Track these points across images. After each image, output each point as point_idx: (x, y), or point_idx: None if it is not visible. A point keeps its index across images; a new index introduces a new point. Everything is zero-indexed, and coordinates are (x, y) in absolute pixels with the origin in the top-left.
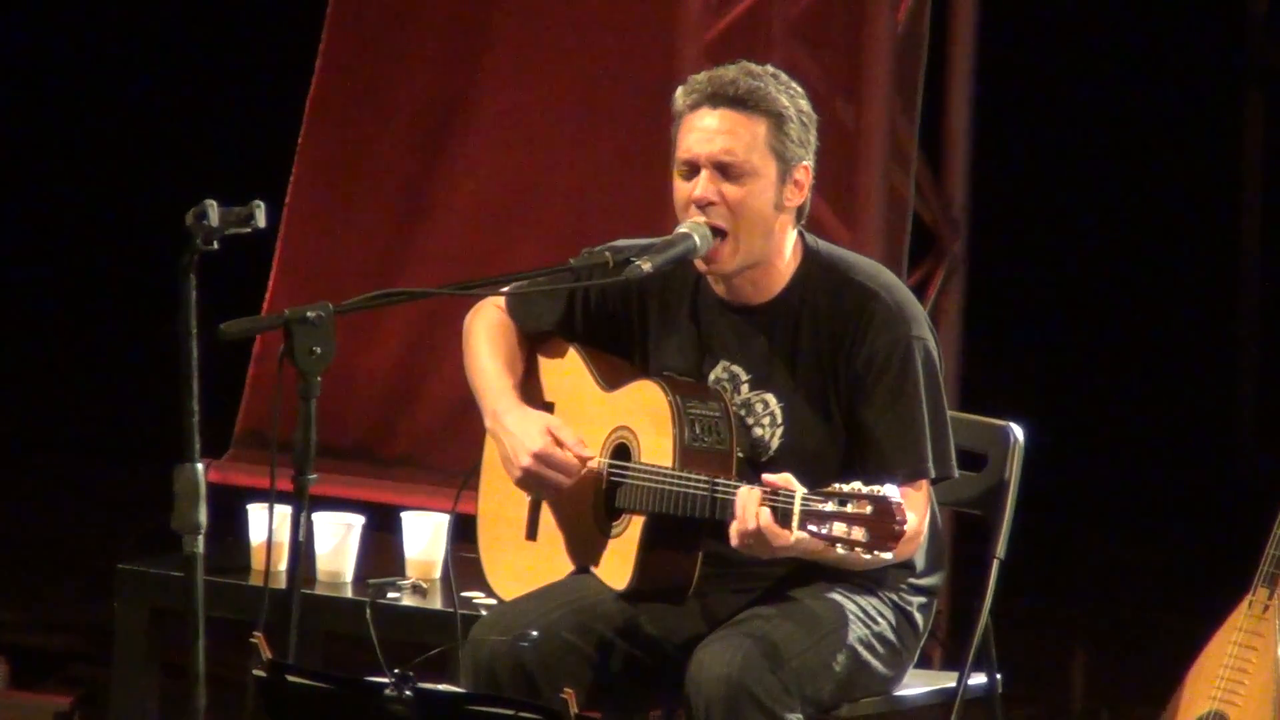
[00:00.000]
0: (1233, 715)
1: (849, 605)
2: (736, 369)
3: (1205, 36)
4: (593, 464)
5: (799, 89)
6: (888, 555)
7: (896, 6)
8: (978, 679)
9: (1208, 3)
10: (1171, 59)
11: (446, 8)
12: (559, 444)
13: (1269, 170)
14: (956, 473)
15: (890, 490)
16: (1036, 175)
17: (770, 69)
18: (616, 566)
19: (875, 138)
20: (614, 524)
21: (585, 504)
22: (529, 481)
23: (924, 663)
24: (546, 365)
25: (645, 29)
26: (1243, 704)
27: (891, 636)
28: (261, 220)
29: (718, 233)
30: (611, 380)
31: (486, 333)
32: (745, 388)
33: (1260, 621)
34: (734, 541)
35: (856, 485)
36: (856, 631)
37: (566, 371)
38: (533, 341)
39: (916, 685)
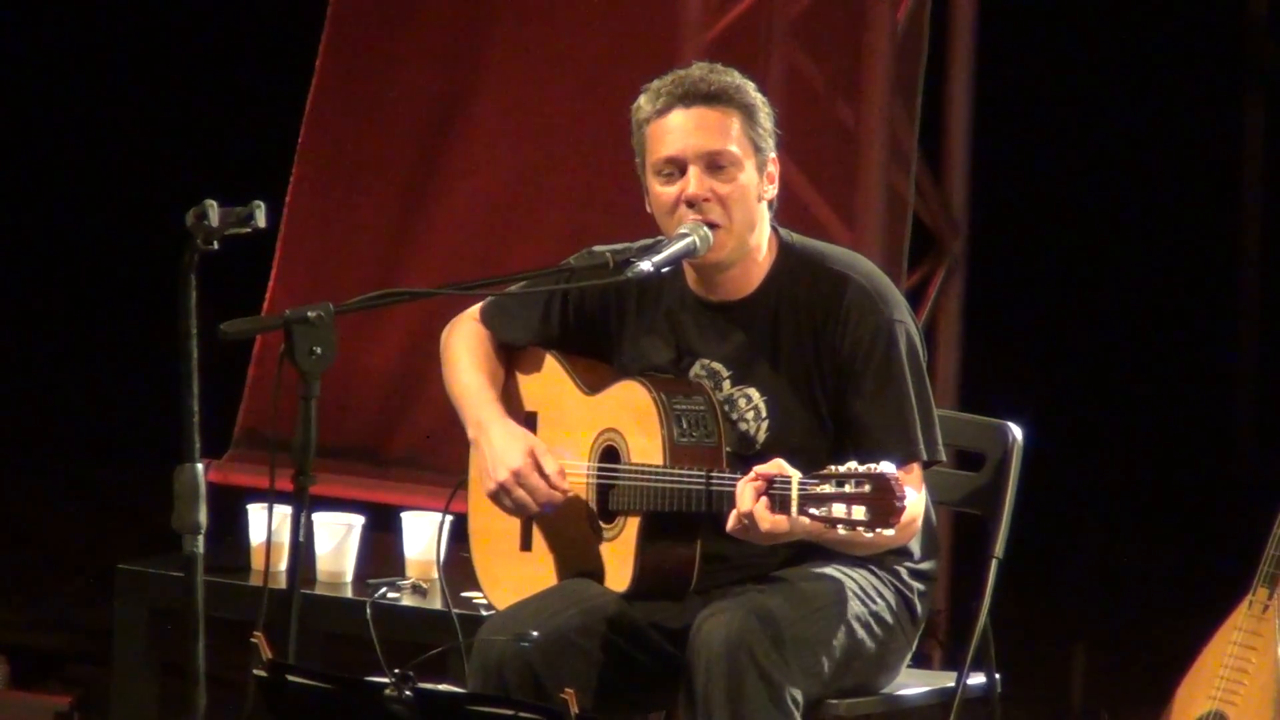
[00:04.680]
0: (1233, 715)
1: (848, 583)
2: (716, 366)
3: (1205, 38)
4: (568, 486)
5: (752, 83)
6: (889, 532)
7: (896, 6)
8: (977, 679)
9: (1208, 4)
10: (1172, 60)
11: (446, 8)
12: (538, 469)
13: (1269, 171)
14: (944, 456)
15: (886, 467)
16: (1037, 175)
17: (721, 65)
18: (616, 569)
19: (875, 138)
20: (609, 527)
21: (578, 510)
22: (499, 496)
23: (923, 663)
24: (525, 375)
25: (645, 29)
26: (1243, 704)
27: (889, 618)
28: (261, 220)
29: (712, 228)
30: (592, 384)
31: (465, 346)
32: (727, 384)
33: (1260, 621)
34: (730, 526)
35: (852, 465)
36: (854, 609)
37: (546, 379)
38: (509, 352)
39: (916, 685)
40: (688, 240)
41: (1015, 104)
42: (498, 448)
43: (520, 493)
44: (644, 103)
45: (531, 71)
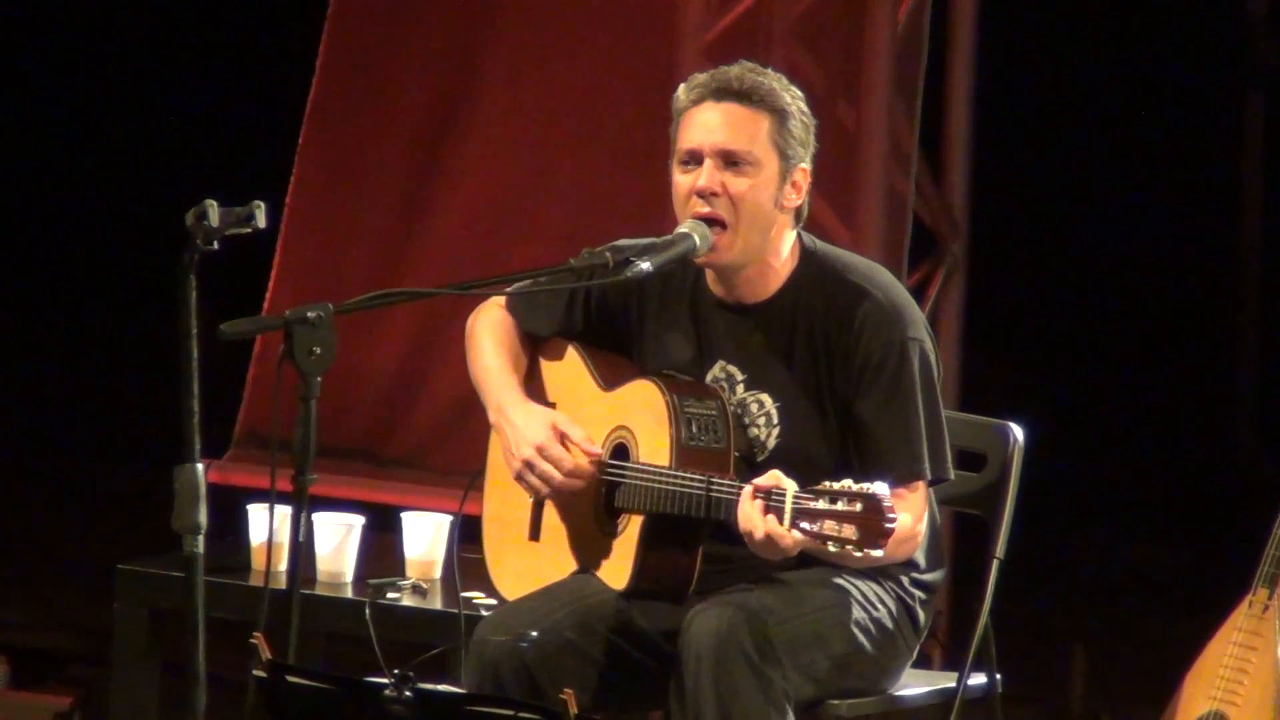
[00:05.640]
0: (1233, 715)
1: (850, 589)
2: (732, 369)
3: (1205, 37)
4: (599, 450)
5: (799, 92)
6: (878, 553)
7: (896, 6)
8: (977, 679)
9: (1208, 3)
10: (1172, 59)
11: (446, 8)
12: (563, 438)
13: (1269, 171)
14: (952, 474)
15: (880, 488)
16: (1036, 175)
17: (772, 70)
18: (616, 566)
19: (875, 138)
20: (614, 524)
21: (586, 504)
22: (525, 474)
23: (924, 663)
24: (547, 365)
25: (645, 29)
26: (1243, 704)
27: (890, 624)
28: (261, 220)
29: (717, 223)
30: (610, 380)
31: (490, 332)
32: (741, 387)
33: (1260, 621)
34: (751, 546)
35: (847, 483)
36: (855, 614)
37: (566, 371)
38: (533, 342)
39: (916, 685)
40: (687, 240)
41: (1015, 104)
42: (519, 426)
43: (545, 466)
44: (681, 93)
45: (531, 72)
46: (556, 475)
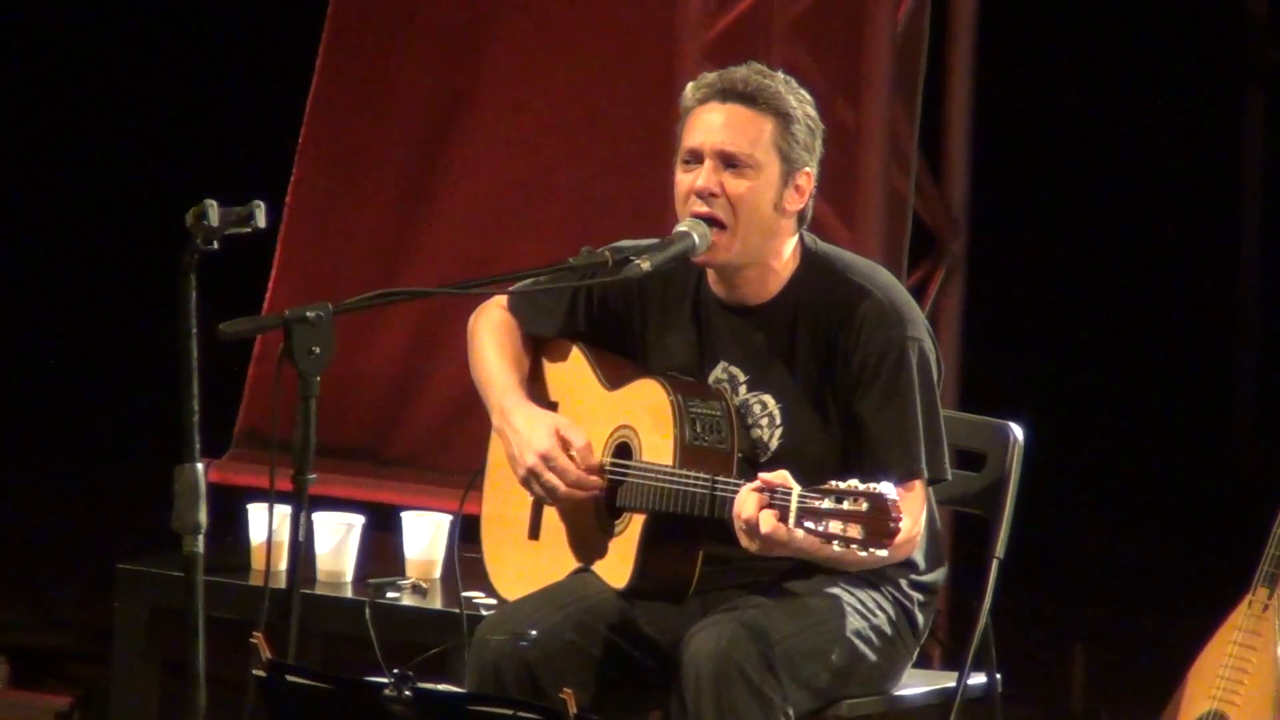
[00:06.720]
0: (1233, 715)
1: (848, 598)
2: (735, 370)
3: (1205, 37)
4: (599, 460)
5: (808, 96)
6: (883, 553)
7: (896, 6)
8: (977, 679)
9: (1208, 3)
10: (1172, 59)
11: (447, 7)
12: (566, 444)
13: (1269, 170)
14: (950, 475)
15: (886, 487)
16: (1037, 175)
17: (782, 74)
18: (617, 565)
19: (875, 138)
20: (615, 523)
21: (587, 503)
22: (530, 481)
23: (924, 663)
24: (550, 364)
25: (645, 29)
26: (1243, 704)
27: (889, 630)
28: (261, 220)
29: (715, 224)
30: (614, 379)
31: (492, 332)
32: (743, 389)
33: (1260, 621)
34: (742, 541)
35: (853, 482)
36: (854, 623)
37: (570, 370)
38: (536, 341)
39: (916, 685)
40: (686, 239)
41: (1015, 104)
42: (523, 432)
43: (550, 476)
44: (689, 92)
45: (531, 72)
46: (561, 486)
